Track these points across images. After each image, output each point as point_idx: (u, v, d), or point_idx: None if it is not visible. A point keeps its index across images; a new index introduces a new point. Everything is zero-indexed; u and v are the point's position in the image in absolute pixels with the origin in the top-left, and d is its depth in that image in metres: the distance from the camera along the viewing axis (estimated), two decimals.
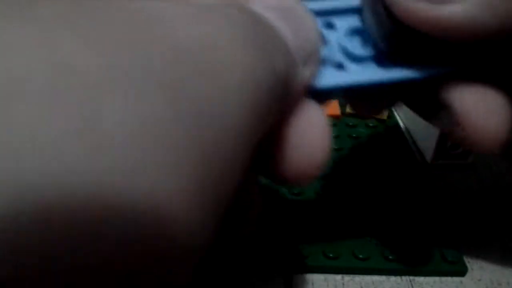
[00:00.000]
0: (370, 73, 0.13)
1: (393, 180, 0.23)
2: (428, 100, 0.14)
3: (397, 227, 0.20)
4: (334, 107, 0.28)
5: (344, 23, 0.13)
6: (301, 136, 0.12)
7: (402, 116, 0.29)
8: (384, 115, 0.27)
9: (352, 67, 0.13)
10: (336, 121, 0.27)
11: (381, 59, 0.13)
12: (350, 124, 0.27)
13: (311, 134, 0.12)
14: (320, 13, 0.13)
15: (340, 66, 0.13)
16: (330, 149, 0.12)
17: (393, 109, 0.29)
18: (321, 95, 0.12)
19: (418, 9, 0.12)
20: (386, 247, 0.19)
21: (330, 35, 0.13)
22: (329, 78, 0.12)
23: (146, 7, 0.09)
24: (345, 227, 0.20)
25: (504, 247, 0.20)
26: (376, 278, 0.19)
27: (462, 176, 0.25)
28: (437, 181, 0.24)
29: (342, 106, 0.28)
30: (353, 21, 0.13)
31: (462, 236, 0.21)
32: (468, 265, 0.19)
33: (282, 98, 0.11)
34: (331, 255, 0.19)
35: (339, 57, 0.13)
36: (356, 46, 0.13)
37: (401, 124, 0.29)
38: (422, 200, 0.22)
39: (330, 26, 0.13)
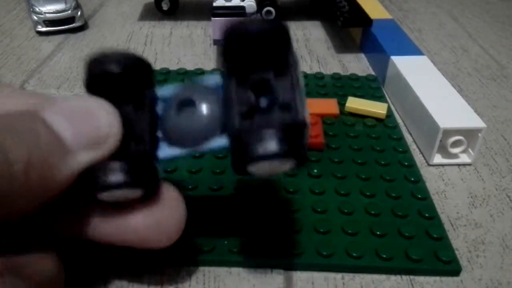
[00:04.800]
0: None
1: (392, 180, 0.23)
2: None
3: (395, 226, 0.20)
4: (332, 106, 0.28)
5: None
6: None
7: (402, 116, 0.29)
8: (383, 114, 0.27)
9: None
10: (334, 120, 0.27)
11: None
12: (348, 123, 0.27)
13: None
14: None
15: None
16: None
17: (393, 109, 0.29)
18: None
19: None
20: (381, 246, 0.19)
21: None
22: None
23: None
24: (342, 226, 0.20)
25: (504, 247, 0.20)
26: (376, 277, 0.19)
27: (462, 176, 0.25)
28: (437, 181, 0.24)
29: (341, 105, 0.28)
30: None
31: (461, 235, 0.21)
32: (468, 264, 0.19)
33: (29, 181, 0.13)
34: (324, 253, 0.19)
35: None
36: None
37: (401, 124, 0.28)
38: (420, 200, 0.22)
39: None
